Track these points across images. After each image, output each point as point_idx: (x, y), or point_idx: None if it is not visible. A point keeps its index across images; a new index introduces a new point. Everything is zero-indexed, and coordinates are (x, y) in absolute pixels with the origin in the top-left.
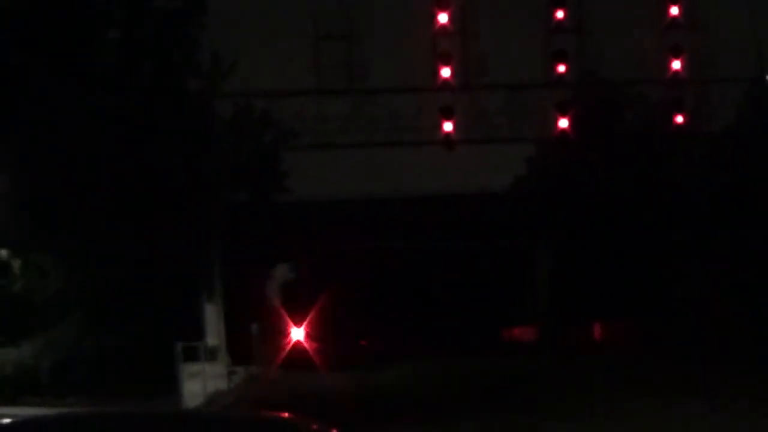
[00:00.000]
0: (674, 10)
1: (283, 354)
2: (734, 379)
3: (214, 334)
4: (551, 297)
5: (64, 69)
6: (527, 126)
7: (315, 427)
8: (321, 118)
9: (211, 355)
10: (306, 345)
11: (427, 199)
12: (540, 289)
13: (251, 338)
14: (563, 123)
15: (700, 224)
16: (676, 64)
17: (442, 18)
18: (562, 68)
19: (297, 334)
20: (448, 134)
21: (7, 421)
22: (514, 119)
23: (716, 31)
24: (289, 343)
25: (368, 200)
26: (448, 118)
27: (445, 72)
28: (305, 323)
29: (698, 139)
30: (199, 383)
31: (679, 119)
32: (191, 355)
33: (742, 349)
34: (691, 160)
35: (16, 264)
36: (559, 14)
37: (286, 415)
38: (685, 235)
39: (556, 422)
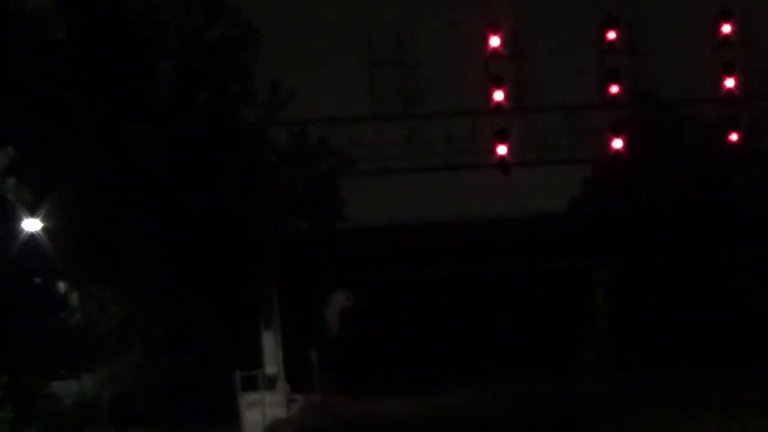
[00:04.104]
0: (726, 28)
1: (341, 380)
2: None
3: (272, 362)
4: (611, 317)
5: (121, 102)
6: (583, 147)
7: None
8: (377, 143)
9: (270, 383)
10: (365, 370)
11: (485, 222)
12: (599, 309)
13: (310, 366)
14: (617, 144)
15: (762, 242)
16: (730, 82)
17: (494, 41)
18: (615, 89)
19: (355, 359)
20: (502, 157)
21: None
22: (570, 140)
23: None
24: (346, 368)
25: (425, 224)
26: (502, 141)
27: (498, 95)
28: (363, 349)
29: (758, 155)
30: (259, 412)
31: (734, 137)
32: (250, 384)
33: None
34: (752, 176)
35: (74, 297)
36: (611, 35)
37: None
38: (751, 252)
39: None
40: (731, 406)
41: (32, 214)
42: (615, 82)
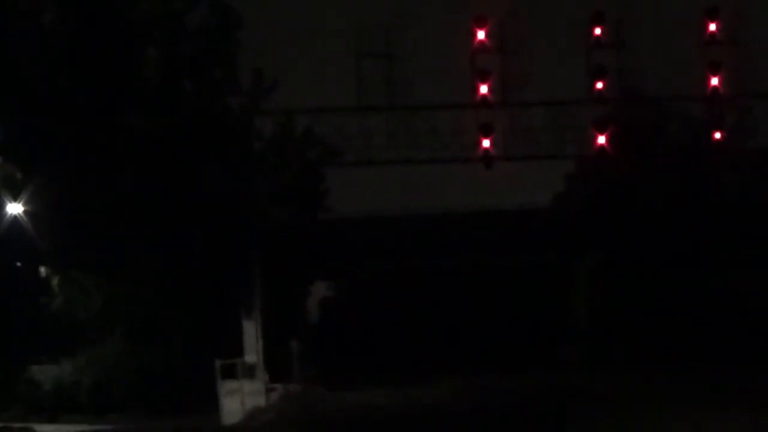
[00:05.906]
0: (712, 26)
1: (321, 370)
2: None
3: (252, 351)
4: (592, 312)
5: (106, 90)
6: (568, 142)
7: None
8: (362, 135)
9: (250, 372)
10: (344, 361)
11: (469, 216)
12: (581, 303)
13: (290, 355)
14: (601, 139)
15: (749, 240)
16: (715, 80)
17: (480, 35)
18: (600, 84)
19: (335, 350)
20: (486, 151)
21: None
22: (555, 136)
23: (759, 46)
24: (326, 359)
25: (409, 217)
26: (486, 135)
27: (483, 89)
28: (343, 340)
29: (743, 154)
30: (237, 400)
31: (718, 135)
32: (230, 373)
33: None
34: (737, 176)
35: (55, 281)
36: (597, 31)
37: None
38: (734, 251)
39: None
40: (714, 402)
41: (15, 197)
42: (601, 78)
